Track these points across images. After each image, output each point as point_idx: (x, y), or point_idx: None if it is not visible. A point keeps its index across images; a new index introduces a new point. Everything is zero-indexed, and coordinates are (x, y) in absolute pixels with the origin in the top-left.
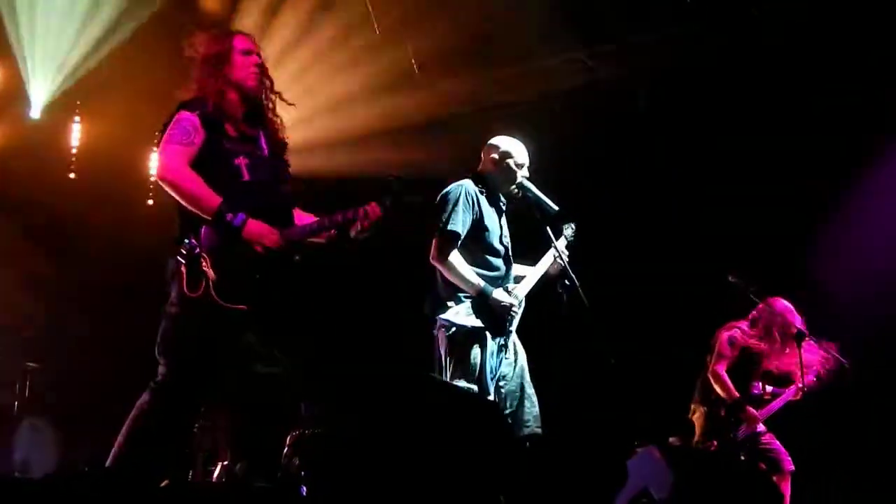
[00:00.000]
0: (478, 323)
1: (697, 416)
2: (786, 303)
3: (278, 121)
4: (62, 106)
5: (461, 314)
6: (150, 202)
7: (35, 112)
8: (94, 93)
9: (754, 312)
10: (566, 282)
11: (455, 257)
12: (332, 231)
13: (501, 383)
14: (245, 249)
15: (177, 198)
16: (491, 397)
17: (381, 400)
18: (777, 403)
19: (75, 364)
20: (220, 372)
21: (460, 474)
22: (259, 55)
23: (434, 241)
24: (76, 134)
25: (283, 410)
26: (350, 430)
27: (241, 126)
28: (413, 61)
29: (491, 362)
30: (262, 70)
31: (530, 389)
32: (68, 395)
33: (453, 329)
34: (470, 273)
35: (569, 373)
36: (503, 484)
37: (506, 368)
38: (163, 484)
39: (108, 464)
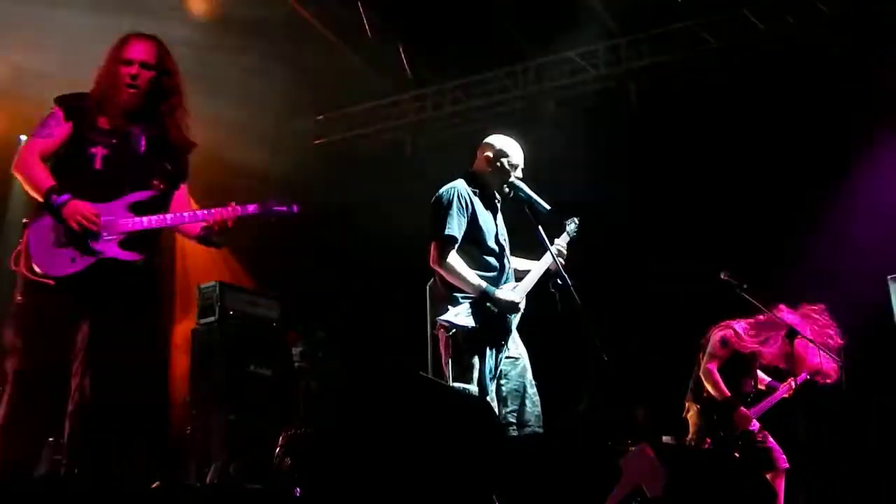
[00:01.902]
0: (478, 323)
1: (691, 415)
2: (792, 313)
3: (179, 124)
4: None
5: (461, 315)
6: None
7: None
8: None
9: (760, 317)
10: (558, 280)
11: (454, 259)
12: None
13: (503, 382)
14: (64, 227)
15: (24, 186)
16: (491, 397)
17: (372, 399)
18: (769, 401)
19: None
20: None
21: (452, 473)
22: (149, 65)
23: (432, 246)
24: None
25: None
26: (341, 430)
27: (118, 121)
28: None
29: (490, 362)
30: (139, 80)
31: (532, 389)
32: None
33: (453, 330)
34: (471, 274)
35: (562, 371)
36: (496, 483)
37: (507, 368)
38: (154, 485)
39: None
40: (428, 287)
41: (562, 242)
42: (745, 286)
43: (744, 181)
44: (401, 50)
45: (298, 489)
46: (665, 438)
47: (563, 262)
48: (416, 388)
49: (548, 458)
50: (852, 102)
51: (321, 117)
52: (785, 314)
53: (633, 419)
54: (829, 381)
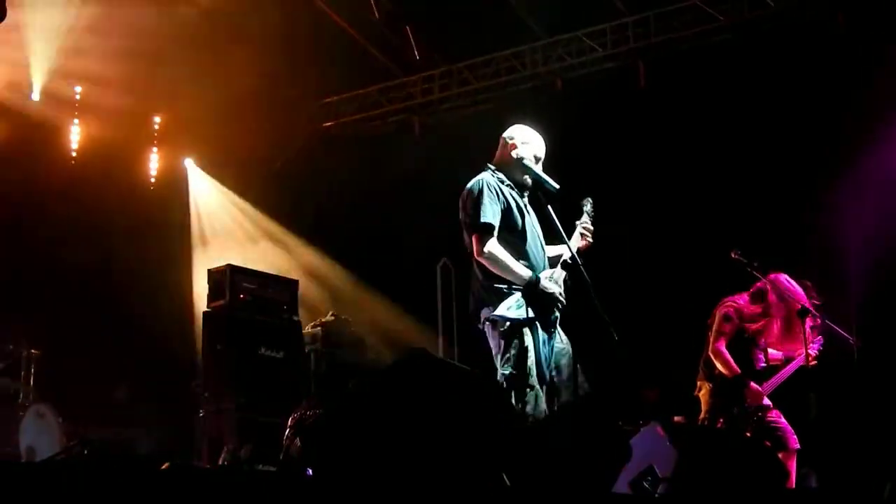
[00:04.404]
0: (530, 314)
1: (703, 393)
2: (789, 279)
3: None
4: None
5: (512, 308)
6: None
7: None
8: None
9: (757, 285)
10: (568, 260)
11: (497, 248)
12: None
13: (555, 374)
14: None
15: None
16: (545, 385)
17: (382, 380)
18: (779, 377)
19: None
20: None
21: (461, 452)
22: None
23: (473, 238)
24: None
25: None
26: (350, 410)
27: None
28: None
29: (544, 350)
30: None
31: (581, 377)
32: (72, 382)
33: (507, 324)
34: (515, 263)
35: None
36: (505, 461)
37: (558, 358)
38: (163, 466)
39: None
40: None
41: (585, 221)
42: (755, 264)
43: (754, 159)
44: (409, 34)
45: (310, 470)
46: (676, 418)
47: (591, 241)
48: (423, 367)
49: (558, 438)
50: (864, 78)
51: (330, 100)
52: (784, 282)
53: (642, 398)
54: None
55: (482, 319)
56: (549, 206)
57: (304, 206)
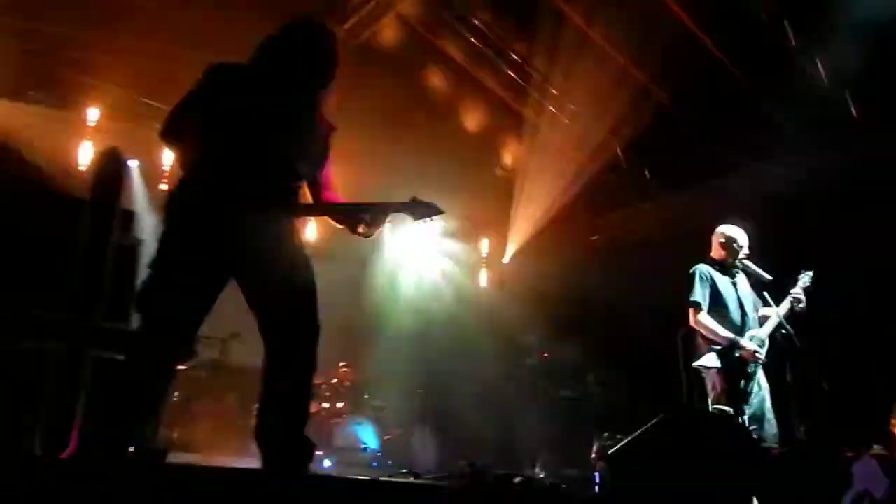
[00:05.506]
0: (723, 365)
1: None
2: None
3: None
4: None
5: (711, 359)
6: None
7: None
8: None
9: None
10: (782, 330)
11: (705, 318)
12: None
13: (746, 408)
14: None
15: None
16: (742, 419)
17: (660, 425)
18: None
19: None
20: None
21: (720, 481)
22: None
23: (688, 310)
24: None
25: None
26: (639, 446)
27: None
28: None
29: (740, 392)
30: None
31: (769, 415)
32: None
33: (712, 371)
34: (718, 328)
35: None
36: (755, 487)
37: (751, 397)
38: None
39: None
40: (680, 334)
41: (797, 291)
42: None
43: None
44: (646, 173)
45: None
46: (876, 448)
47: (803, 308)
48: (689, 415)
49: (793, 466)
50: None
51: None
52: None
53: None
54: None
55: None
56: (765, 292)
57: None
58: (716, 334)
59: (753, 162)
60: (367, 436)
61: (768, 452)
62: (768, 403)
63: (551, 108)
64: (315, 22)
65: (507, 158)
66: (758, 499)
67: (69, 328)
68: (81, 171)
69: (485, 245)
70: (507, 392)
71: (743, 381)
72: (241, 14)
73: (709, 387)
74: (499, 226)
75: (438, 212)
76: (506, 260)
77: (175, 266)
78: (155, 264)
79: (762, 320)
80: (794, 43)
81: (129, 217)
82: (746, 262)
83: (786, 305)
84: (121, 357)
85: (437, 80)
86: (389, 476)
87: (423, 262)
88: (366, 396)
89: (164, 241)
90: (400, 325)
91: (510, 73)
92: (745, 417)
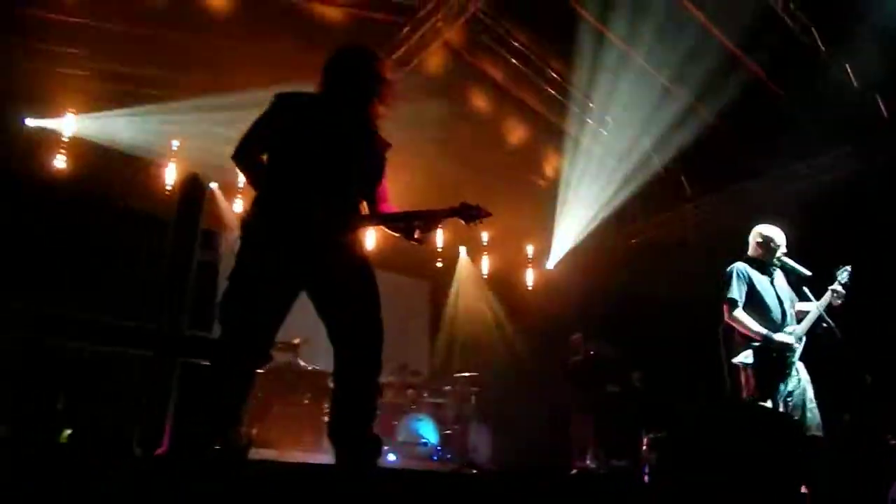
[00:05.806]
0: (758, 360)
1: None
2: None
3: None
4: None
5: (750, 356)
6: None
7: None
8: None
9: None
10: (823, 324)
11: (740, 314)
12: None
13: (788, 399)
14: None
15: None
16: (780, 409)
17: (706, 415)
18: None
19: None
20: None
21: (766, 467)
22: None
23: (723, 307)
24: None
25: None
26: (686, 434)
27: None
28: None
29: (778, 385)
30: None
31: (811, 404)
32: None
33: (748, 367)
34: (754, 324)
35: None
36: (801, 474)
37: (792, 388)
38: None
39: None
40: (720, 331)
41: (836, 287)
42: None
43: None
44: (683, 179)
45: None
46: None
47: (841, 302)
48: (736, 409)
49: (838, 454)
50: None
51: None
52: None
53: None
54: None
55: (734, 363)
56: (804, 287)
57: None
58: (750, 329)
59: (788, 164)
60: (428, 431)
61: (814, 441)
62: (810, 394)
63: (589, 121)
64: (361, 46)
65: (548, 170)
66: (805, 486)
67: (158, 337)
68: (168, 194)
69: (529, 250)
70: (556, 389)
71: (777, 378)
72: (309, 45)
73: (742, 382)
74: (542, 231)
75: (486, 213)
76: (550, 265)
77: (252, 280)
78: (234, 278)
79: (800, 315)
80: (822, 48)
81: (208, 236)
82: (785, 259)
83: (825, 300)
84: (205, 363)
85: (480, 100)
86: (451, 469)
87: (472, 269)
88: (425, 394)
89: (243, 257)
90: (455, 329)
91: (549, 89)
92: (790, 407)
